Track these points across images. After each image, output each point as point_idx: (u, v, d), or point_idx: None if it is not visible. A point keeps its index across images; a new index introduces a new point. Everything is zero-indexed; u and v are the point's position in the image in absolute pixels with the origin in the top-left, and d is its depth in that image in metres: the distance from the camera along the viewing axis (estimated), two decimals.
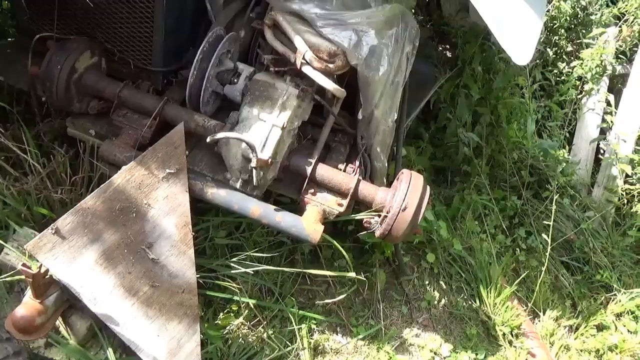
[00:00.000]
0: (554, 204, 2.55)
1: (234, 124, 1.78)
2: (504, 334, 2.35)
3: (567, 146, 3.58)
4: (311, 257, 2.32)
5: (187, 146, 1.88)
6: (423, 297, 2.45)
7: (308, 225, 1.76)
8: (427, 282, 2.51)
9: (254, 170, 1.68)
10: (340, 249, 1.88)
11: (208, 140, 1.62)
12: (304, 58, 1.73)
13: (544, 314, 2.53)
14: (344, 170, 1.96)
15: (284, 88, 1.82)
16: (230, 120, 1.79)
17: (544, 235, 2.89)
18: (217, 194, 1.76)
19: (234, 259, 1.94)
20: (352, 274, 1.97)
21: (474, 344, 2.32)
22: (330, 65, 1.73)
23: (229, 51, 1.97)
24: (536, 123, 3.37)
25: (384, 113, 1.92)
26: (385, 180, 2.15)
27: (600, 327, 2.61)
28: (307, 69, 1.74)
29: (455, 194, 2.95)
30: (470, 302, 2.50)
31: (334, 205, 1.86)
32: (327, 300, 2.14)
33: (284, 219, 1.76)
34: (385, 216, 1.80)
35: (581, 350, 2.46)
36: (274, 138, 1.73)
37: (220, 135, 1.60)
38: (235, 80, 1.94)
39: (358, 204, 1.96)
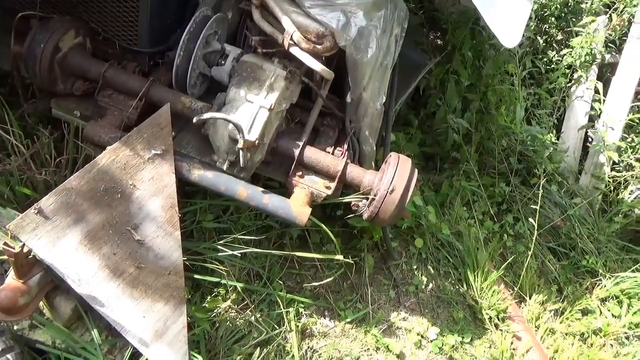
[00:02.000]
0: (540, 188, 2.56)
1: (221, 105, 1.76)
2: (490, 318, 2.37)
3: (555, 133, 3.60)
4: (300, 242, 2.32)
5: (174, 128, 1.86)
6: (411, 282, 2.47)
7: (296, 207, 1.76)
8: (415, 267, 2.52)
9: (241, 152, 1.66)
10: (329, 232, 1.88)
11: (194, 120, 1.60)
12: (291, 39, 1.72)
13: (530, 298, 2.56)
14: (332, 154, 1.95)
15: (272, 69, 1.80)
16: (217, 101, 1.77)
17: (531, 221, 2.92)
18: (203, 175, 1.75)
19: (222, 242, 1.93)
20: (340, 257, 1.97)
21: (461, 328, 2.34)
22: (319, 47, 1.72)
23: (216, 32, 1.95)
24: (525, 111, 3.38)
25: (372, 96, 1.91)
26: (373, 165, 2.14)
27: (586, 312, 2.65)
28: (294, 50, 1.73)
29: (444, 180, 2.96)
30: (457, 287, 2.52)
31: (322, 188, 1.85)
32: (314, 284, 2.14)
33: (271, 201, 1.76)
34: (373, 199, 1.80)
35: (566, 334, 2.49)
36: (261, 119, 1.72)
37: (206, 115, 1.59)
38: (223, 62, 1.92)
39: (347, 187, 1.96)
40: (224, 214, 2.15)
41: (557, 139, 3.52)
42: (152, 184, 1.67)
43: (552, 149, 3.27)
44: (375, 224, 1.94)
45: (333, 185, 1.86)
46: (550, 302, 2.58)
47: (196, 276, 1.97)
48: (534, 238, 2.62)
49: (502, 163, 3.07)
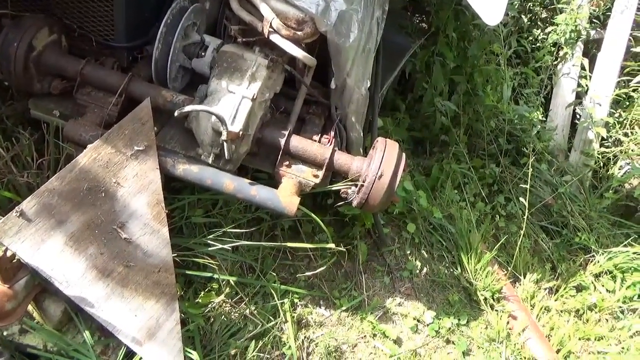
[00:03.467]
0: (530, 168, 2.56)
1: (203, 97, 1.73)
2: (485, 299, 2.38)
3: (543, 111, 3.59)
4: (291, 233, 2.30)
5: (157, 123, 1.83)
6: (405, 267, 2.46)
7: (284, 197, 1.74)
8: (408, 252, 2.51)
9: (225, 144, 1.64)
10: (319, 221, 1.86)
11: (176, 114, 1.57)
12: (271, 26, 1.68)
13: (524, 277, 2.56)
14: (319, 142, 1.93)
15: (253, 59, 1.77)
16: (198, 93, 1.74)
17: (522, 200, 2.93)
18: (188, 170, 1.72)
19: (212, 236, 1.91)
20: (332, 245, 1.96)
21: (457, 310, 2.34)
22: (299, 33, 1.69)
23: (194, 23, 1.91)
24: (513, 90, 3.37)
25: (356, 81, 1.89)
26: (362, 151, 2.13)
27: (580, 288, 2.66)
28: (275, 38, 1.69)
29: (434, 164, 2.95)
30: (451, 270, 2.52)
31: (310, 176, 1.83)
32: (308, 274, 2.13)
33: (259, 193, 1.73)
34: (362, 185, 1.78)
35: (561, 311, 2.51)
36: (245, 110, 1.69)
37: (188, 108, 1.55)
38: (203, 54, 1.89)
39: (335, 175, 1.94)
40: (213, 208, 2.13)
41: (545, 117, 3.52)
42: (136, 181, 1.64)
43: (540, 127, 3.27)
44: (366, 211, 1.92)
45: (321, 173, 1.84)
46: (544, 280, 2.59)
47: (188, 272, 1.95)
48: (525, 217, 2.62)
49: (491, 144, 3.06)
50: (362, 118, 2.03)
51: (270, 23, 1.67)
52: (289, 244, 1.99)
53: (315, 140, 1.92)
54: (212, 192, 1.78)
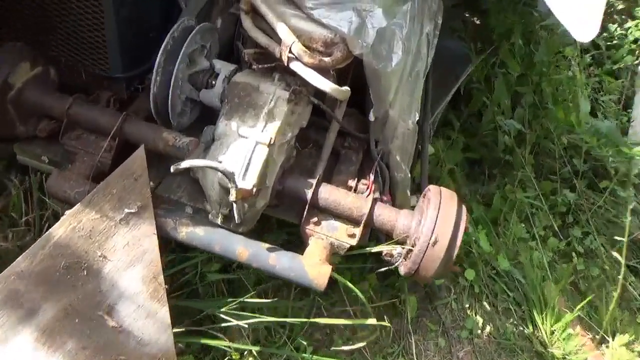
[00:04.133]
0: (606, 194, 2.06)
1: (209, 142, 1.39)
2: None
3: (624, 123, 3.04)
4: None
5: (161, 169, 1.52)
6: (463, 325, 2.04)
7: (311, 268, 1.37)
8: (467, 306, 2.09)
9: (234, 205, 1.29)
10: (358, 292, 1.49)
11: (172, 170, 1.24)
12: (290, 51, 1.32)
13: (612, 338, 2.08)
14: (356, 188, 1.55)
15: (271, 91, 1.41)
16: (204, 137, 1.40)
17: (603, 234, 2.44)
18: (192, 233, 1.39)
19: (227, 307, 1.57)
20: (373, 321, 1.58)
21: None
22: (326, 59, 1.31)
23: (203, 46, 1.57)
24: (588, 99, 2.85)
25: (401, 113, 1.49)
26: (409, 193, 1.73)
27: None
28: (296, 66, 1.33)
29: (495, 191, 2.50)
30: (521, 328, 2.07)
31: (344, 237, 1.46)
32: (345, 348, 1.75)
33: (279, 262, 1.38)
34: (411, 250, 1.39)
35: None
36: (259, 159, 1.33)
37: (185, 164, 1.21)
38: (213, 82, 1.54)
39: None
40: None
41: (627, 130, 2.97)
42: (127, 251, 1.32)
43: (622, 143, 2.73)
44: (416, 280, 1.53)
45: (358, 232, 1.46)
46: (637, 341, 2.10)
47: (203, 341, 1.63)
48: (607, 258, 2.14)
49: (564, 166, 2.56)
50: (410, 156, 1.63)
51: (290, 48, 1.30)
52: (319, 320, 1.63)
53: (350, 186, 1.55)
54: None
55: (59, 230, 1.25)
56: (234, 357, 1.73)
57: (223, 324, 1.59)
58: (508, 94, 2.24)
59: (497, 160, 2.58)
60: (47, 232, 1.25)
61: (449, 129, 2.55)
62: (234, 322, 1.54)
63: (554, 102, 2.48)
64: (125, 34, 1.53)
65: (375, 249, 1.49)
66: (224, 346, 1.64)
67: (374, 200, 1.46)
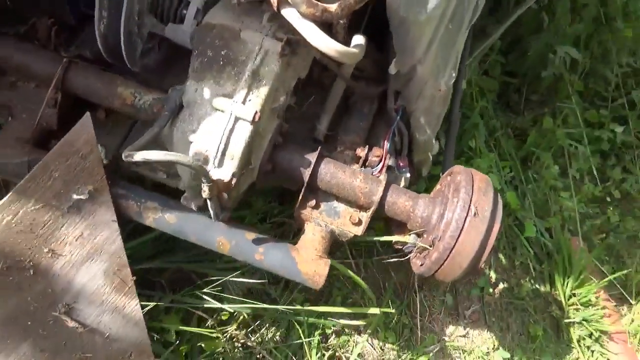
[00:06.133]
0: None
1: (175, 110, 1.06)
2: (580, 338, 1.79)
3: None
4: None
5: (124, 124, 1.22)
6: (474, 282, 1.88)
7: (305, 263, 1.14)
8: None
9: (209, 202, 1.01)
10: (362, 283, 1.28)
11: (124, 157, 0.94)
12: None
13: (636, 301, 1.92)
14: (365, 160, 1.25)
15: (257, 42, 1.03)
16: (168, 103, 1.06)
17: None
18: (161, 220, 1.13)
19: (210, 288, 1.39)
20: (376, 310, 1.39)
21: (538, 348, 1.79)
22: (332, 7, 0.91)
23: None
24: None
25: (434, 71, 1.12)
26: (430, 156, 1.42)
27: None
28: (289, 14, 0.93)
29: (530, 123, 2.15)
30: (537, 287, 1.91)
31: (347, 224, 1.20)
32: (344, 322, 1.60)
33: (267, 256, 1.15)
34: (430, 247, 1.14)
35: None
36: (240, 140, 1.02)
37: (138, 157, 0.91)
38: (184, 12, 1.15)
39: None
40: None
41: None
42: (82, 243, 1.09)
43: None
44: (436, 279, 1.29)
45: (365, 219, 1.20)
46: None
47: (186, 328, 1.48)
48: None
49: (619, 97, 2.16)
50: (439, 119, 1.28)
51: None
52: (320, 308, 1.45)
53: (359, 156, 1.25)
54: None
55: None
56: (223, 317, 1.61)
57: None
58: (573, 13, 1.76)
59: (540, 86, 2.17)
60: None
61: (485, 46, 2.10)
62: (217, 304, 1.36)
63: (624, 18, 1.98)
64: None
65: (384, 239, 1.24)
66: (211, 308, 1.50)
67: (386, 186, 1.16)
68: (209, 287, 1.43)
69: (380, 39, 1.26)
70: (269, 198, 1.65)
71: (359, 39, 1.00)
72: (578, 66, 2.08)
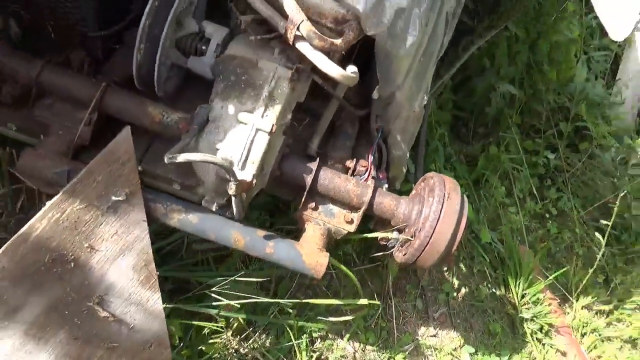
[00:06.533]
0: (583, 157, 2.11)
1: (203, 123, 1.27)
2: (532, 332, 2.06)
3: (609, 81, 3.03)
4: None
5: (144, 141, 1.40)
6: (440, 288, 2.12)
7: (308, 256, 1.35)
8: (445, 268, 2.16)
9: (234, 198, 1.21)
10: (353, 277, 1.49)
11: (166, 160, 1.13)
12: (298, 29, 1.17)
13: (575, 299, 2.23)
14: (354, 170, 1.49)
15: (271, 69, 1.28)
16: (197, 118, 1.27)
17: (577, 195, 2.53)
18: (185, 220, 1.31)
19: (218, 286, 1.55)
20: (364, 301, 1.60)
21: (498, 343, 2.04)
22: (337, 42, 1.18)
23: (191, 3, 1.38)
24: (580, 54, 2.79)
25: (409, 96, 1.40)
26: (404, 170, 1.68)
27: (637, 307, 2.33)
28: (302, 47, 1.19)
29: (479, 151, 2.49)
30: (494, 290, 2.18)
31: (342, 223, 1.43)
32: (332, 319, 1.78)
33: (276, 250, 1.34)
34: (410, 240, 1.38)
35: (614, 338, 2.20)
36: (260, 147, 1.24)
37: (181, 158, 1.11)
38: (204, 47, 1.38)
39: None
40: None
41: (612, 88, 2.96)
42: (116, 240, 1.24)
43: (607, 104, 2.73)
44: (412, 268, 1.53)
45: (356, 218, 1.43)
46: (598, 300, 2.26)
47: (189, 322, 1.62)
48: (579, 220, 2.23)
49: (550, 128, 2.56)
50: (411, 137, 1.56)
51: (298, 26, 1.16)
52: (312, 301, 1.64)
53: (348, 167, 1.49)
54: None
55: (41, 223, 1.15)
56: (220, 323, 1.75)
57: (213, 297, 1.57)
58: (508, 57, 2.15)
59: (485, 119, 2.54)
60: (27, 225, 1.14)
61: (437, 83, 2.46)
62: (225, 301, 1.52)
63: (549, 63, 2.40)
64: None
65: (372, 235, 1.47)
66: (216, 314, 1.64)
67: (375, 188, 1.41)
68: (209, 291, 1.59)
69: (362, 72, 1.54)
70: (262, 212, 1.85)
71: (353, 68, 1.27)
72: (515, 103, 2.47)
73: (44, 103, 1.34)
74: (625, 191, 2.44)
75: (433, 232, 1.31)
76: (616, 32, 1.14)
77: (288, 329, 1.76)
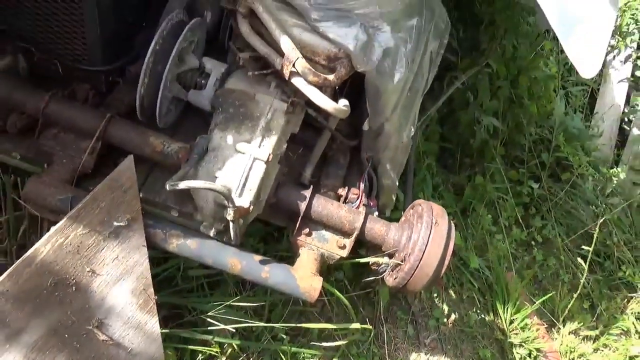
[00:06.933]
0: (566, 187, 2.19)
1: (202, 153, 1.34)
2: (521, 357, 2.10)
3: (588, 114, 3.17)
4: None
5: (143, 170, 1.46)
6: (431, 314, 2.16)
7: (302, 280, 1.40)
8: (435, 294, 2.21)
9: (232, 224, 1.27)
10: (345, 301, 1.54)
11: (167, 187, 1.19)
12: (294, 66, 1.26)
13: (562, 325, 2.28)
14: (346, 197, 1.56)
15: (267, 102, 1.36)
16: (197, 148, 1.34)
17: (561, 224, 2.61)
18: (184, 245, 1.36)
19: (214, 311, 1.58)
20: (357, 325, 1.64)
21: None
22: (330, 77, 1.27)
23: (192, 42, 1.47)
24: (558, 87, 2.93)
25: (397, 128, 1.49)
26: (394, 197, 1.76)
27: (623, 333, 2.38)
28: (298, 82, 1.28)
29: (466, 181, 2.58)
30: (483, 316, 2.22)
31: (334, 248, 1.48)
32: (324, 344, 1.81)
33: (271, 274, 1.39)
34: (400, 264, 1.44)
35: None
36: (257, 176, 1.30)
37: (183, 185, 1.17)
38: (203, 82, 1.47)
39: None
40: None
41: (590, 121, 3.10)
42: (117, 265, 1.29)
43: (584, 135, 2.86)
44: (402, 293, 1.59)
45: (348, 244, 1.49)
46: (584, 326, 2.31)
47: (184, 346, 1.64)
48: (563, 248, 2.30)
49: (533, 158, 2.66)
50: (400, 167, 1.64)
51: (293, 63, 1.25)
52: (305, 325, 1.67)
53: (340, 195, 1.56)
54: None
55: (46, 247, 1.19)
56: (214, 348, 1.77)
57: (207, 322, 1.60)
58: (490, 92, 2.27)
59: (470, 151, 2.64)
60: (32, 249, 1.19)
61: (424, 118, 2.57)
62: (221, 326, 1.55)
63: (529, 97, 2.53)
64: (105, 24, 1.40)
65: (364, 260, 1.52)
66: (211, 339, 1.66)
67: (366, 215, 1.47)
68: (204, 316, 1.62)
69: (353, 105, 1.63)
70: (256, 239, 1.90)
71: (344, 101, 1.36)
72: (499, 134, 2.58)
73: (49, 133, 1.40)
74: (604, 218, 2.53)
75: (422, 255, 1.37)
76: (585, 70, 1.24)
77: (281, 354, 1.78)
